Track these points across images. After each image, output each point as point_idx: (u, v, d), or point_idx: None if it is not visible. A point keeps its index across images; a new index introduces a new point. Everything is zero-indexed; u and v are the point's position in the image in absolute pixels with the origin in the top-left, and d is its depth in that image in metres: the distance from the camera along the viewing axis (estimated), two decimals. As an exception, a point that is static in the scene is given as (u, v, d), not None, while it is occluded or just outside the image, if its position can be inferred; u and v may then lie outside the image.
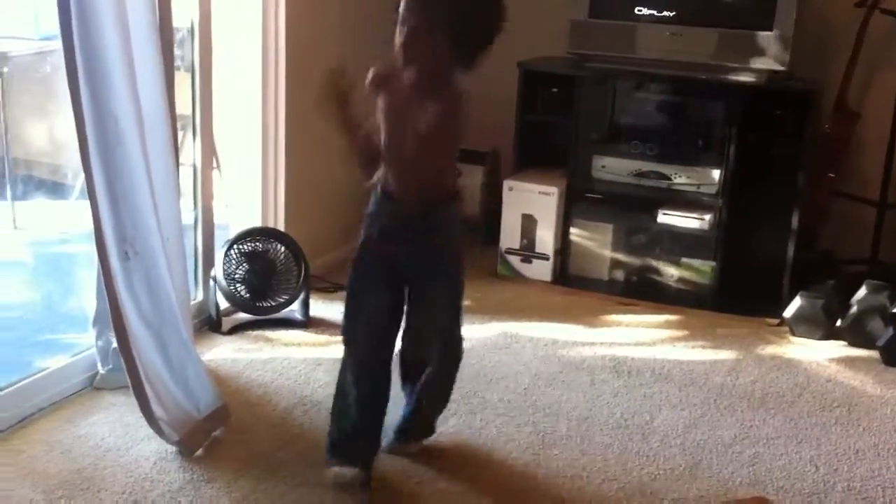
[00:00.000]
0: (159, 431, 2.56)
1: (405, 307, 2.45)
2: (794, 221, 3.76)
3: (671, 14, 3.88)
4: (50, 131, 4.30)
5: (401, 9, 2.17)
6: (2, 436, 2.60)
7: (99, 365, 2.89)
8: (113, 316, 2.49)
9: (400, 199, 2.31)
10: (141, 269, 2.57)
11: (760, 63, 3.75)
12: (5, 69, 4.23)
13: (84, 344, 2.94)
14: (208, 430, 2.66)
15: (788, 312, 3.63)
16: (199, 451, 2.59)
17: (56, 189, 4.44)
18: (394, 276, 2.39)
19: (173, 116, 2.84)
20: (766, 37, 3.72)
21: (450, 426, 2.79)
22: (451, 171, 2.39)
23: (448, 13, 2.14)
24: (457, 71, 2.23)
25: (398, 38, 2.18)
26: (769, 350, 3.49)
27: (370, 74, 2.29)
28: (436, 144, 2.24)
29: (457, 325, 2.54)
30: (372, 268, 2.39)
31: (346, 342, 2.46)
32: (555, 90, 4.09)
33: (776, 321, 3.71)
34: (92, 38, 2.36)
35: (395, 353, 2.49)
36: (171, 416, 2.58)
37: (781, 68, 3.72)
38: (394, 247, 2.35)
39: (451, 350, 2.57)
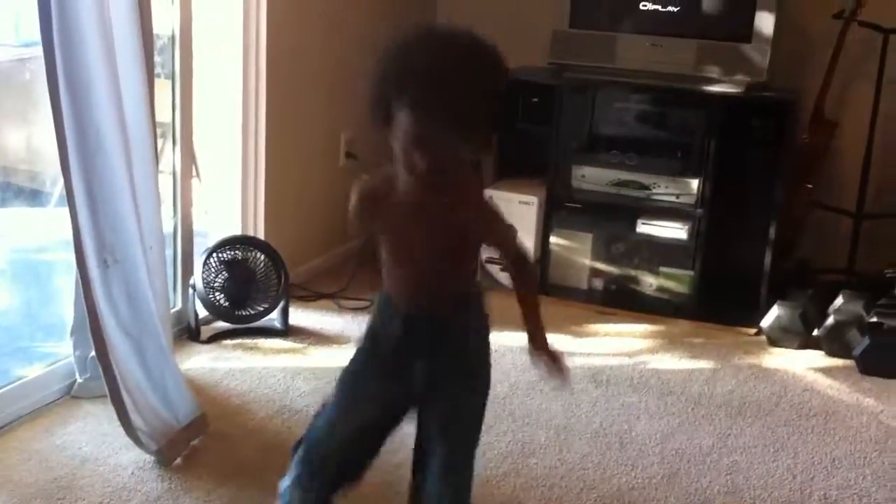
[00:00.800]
0: (137, 441, 2.55)
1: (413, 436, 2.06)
2: (772, 231, 3.80)
3: (652, 25, 3.91)
4: (29, 138, 4.27)
5: (403, 117, 1.76)
6: (-22, 445, 2.59)
7: (77, 374, 2.87)
8: (91, 324, 2.48)
9: (415, 313, 1.98)
10: (120, 277, 2.56)
11: (739, 74, 3.79)
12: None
13: (62, 353, 2.92)
14: (187, 440, 2.65)
15: (766, 322, 3.66)
16: (178, 461, 2.58)
17: (34, 196, 4.40)
18: (395, 397, 2.02)
19: (153, 124, 2.83)
20: (744, 48, 3.76)
21: (429, 435, 2.79)
22: (474, 272, 2.07)
23: (457, 109, 1.74)
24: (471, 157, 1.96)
25: (412, 151, 1.80)
26: (747, 359, 3.51)
27: (356, 195, 1.96)
28: (463, 249, 1.96)
29: (469, 468, 2.08)
30: (369, 382, 2.04)
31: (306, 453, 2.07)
32: (535, 99, 4.10)
33: (754, 330, 3.73)
34: (73, 43, 2.36)
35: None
36: (149, 425, 2.57)
37: (759, 79, 3.75)
38: (405, 362, 1.99)
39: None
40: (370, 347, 2.05)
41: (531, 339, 2.05)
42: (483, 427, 2.50)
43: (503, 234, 1.97)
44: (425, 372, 1.99)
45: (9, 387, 2.74)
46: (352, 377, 2.06)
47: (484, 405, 2.09)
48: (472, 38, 1.83)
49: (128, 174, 2.56)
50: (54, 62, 2.33)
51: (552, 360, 2.01)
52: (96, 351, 2.51)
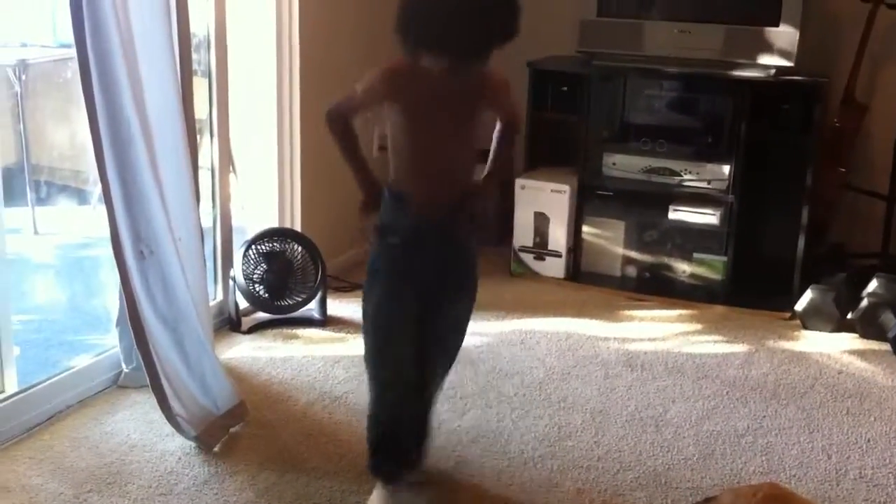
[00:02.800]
0: (178, 427, 2.62)
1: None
2: (804, 216, 3.80)
3: (679, 11, 3.93)
4: (71, 137, 4.37)
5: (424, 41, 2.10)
6: (31, 432, 2.67)
7: (123, 364, 2.95)
8: (130, 314, 2.57)
9: (425, 201, 2.22)
10: (156, 268, 2.64)
11: (768, 58, 3.79)
12: (24, 76, 4.31)
13: (108, 344, 3.00)
14: (226, 426, 2.72)
15: (800, 305, 3.67)
16: (217, 447, 2.64)
17: (78, 195, 4.51)
18: (418, 287, 2.26)
19: (191, 120, 2.89)
20: (773, 32, 3.76)
21: (467, 419, 2.84)
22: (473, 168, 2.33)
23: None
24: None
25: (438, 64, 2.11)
26: (781, 343, 3.53)
27: (380, 74, 2.19)
28: (474, 135, 2.24)
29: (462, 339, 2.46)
30: (397, 279, 2.26)
31: (376, 364, 2.32)
32: (564, 89, 4.14)
33: (788, 314, 3.74)
34: (103, 41, 2.43)
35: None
36: (189, 412, 2.64)
37: (789, 63, 3.75)
38: (420, 253, 2.24)
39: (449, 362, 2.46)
40: (384, 249, 2.27)
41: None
42: (519, 411, 2.55)
43: (505, 108, 2.33)
44: (433, 272, 2.25)
45: (58, 377, 2.82)
46: (384, 280, 2.28)
47: (472, 308, 2.41)
48: None
49: (151, 168, 2.61)
50: (87, 59, 2.40)
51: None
52: (136, 340, 2.59)
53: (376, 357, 2.31)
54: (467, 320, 2.42)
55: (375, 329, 2.29)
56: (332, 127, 2.29)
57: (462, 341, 2.46)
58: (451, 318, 2.37)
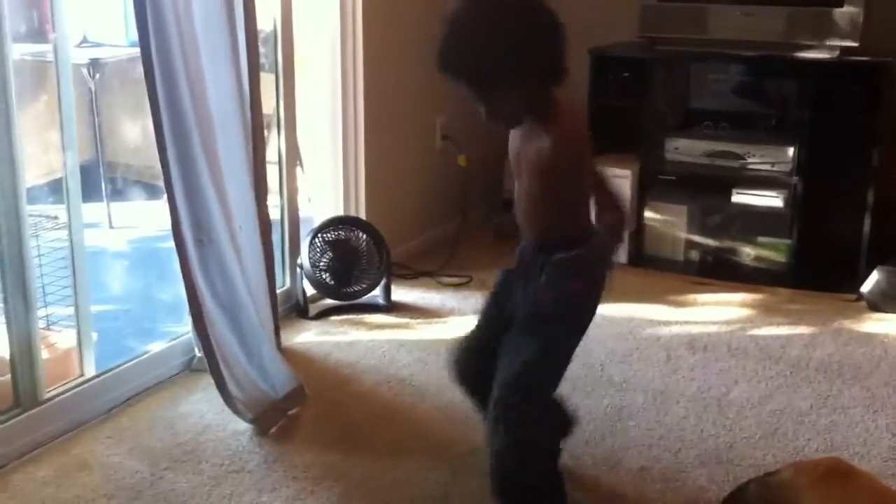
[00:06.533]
0: (235, 410, 2.71)
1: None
2: (870, 197, 3.76)
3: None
4: (144, 134, 4.52)
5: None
6: (110, 414, 2.79)
7: (196, 349, 3.05)
8: (189, 299, 2.67)
9: (521, 237, 2.27)
10: (216, 256, 2.74)
11: (832, 40, 3.75)
12: (97, 75, 4.47)
13: (181, 331, 3.11)
14: (284, 410, 2.80)
15: (866, 287, 3.63)
16: (274, 429, 2.72)
17: (149, 189, 4.66)
18: (496, 310, 2.32)
19: (258, 115, 2.97)
20: (837, 13, 3.72)
21: (529, 400, 2.88)
22: (568, 214, 2.17)
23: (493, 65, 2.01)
24: (544, 97, 2.08)
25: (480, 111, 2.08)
26: (846, 324, 3.50)
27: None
28: (540, 188, 2.13)
29: (516, 393, 2.14)
30: (491, 300, 2.37)
31: None
32: (626, 74, 4.14)
33: (854, 296, 3.71)
34: (164, 40, 2.52)
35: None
36: (246, 395, 2.73)
37: (853, 44, 3.71)
38: (513, 284, 2.28)
39: (501, 421, 2.14)
40: None
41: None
42: (580, 392, 2.53)
43: (575, 168, 2.09)
44: (516, 297, 2.24)
45: (134, 361, 2.94)
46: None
47: (538, 350, 2.13)
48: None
49: (211, 160, 2.69)
50: (150, 57, 2.50)
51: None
52: (194, 325, 2.70)
53: None
54: (523, 354, 2.15)
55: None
56: None
57: (515, 376, 2.14)
58: (509, 343, 2.22)
